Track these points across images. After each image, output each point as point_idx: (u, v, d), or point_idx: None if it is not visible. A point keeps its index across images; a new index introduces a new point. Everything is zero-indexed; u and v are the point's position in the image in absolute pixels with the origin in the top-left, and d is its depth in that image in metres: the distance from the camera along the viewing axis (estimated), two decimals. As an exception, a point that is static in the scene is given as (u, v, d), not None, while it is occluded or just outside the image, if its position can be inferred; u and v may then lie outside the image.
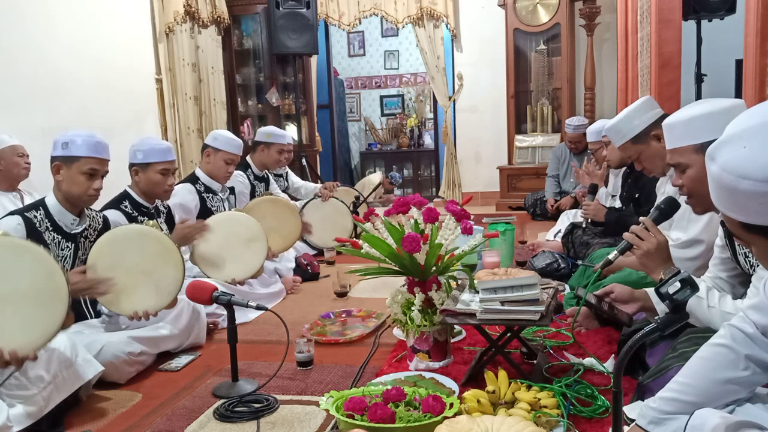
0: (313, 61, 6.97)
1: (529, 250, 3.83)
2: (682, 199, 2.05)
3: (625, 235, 1.90)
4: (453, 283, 2.36)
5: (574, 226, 3.55)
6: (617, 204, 3.55)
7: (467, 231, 2.31)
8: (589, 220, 3.33)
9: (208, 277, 3.07)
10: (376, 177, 7.19)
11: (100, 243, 2.41)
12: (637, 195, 3.17)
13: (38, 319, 1.89)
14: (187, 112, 5.91)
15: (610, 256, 1.94)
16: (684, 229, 2.15)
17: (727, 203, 1.10)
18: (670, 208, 1.95)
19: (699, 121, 1.66)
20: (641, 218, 1.91)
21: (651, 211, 1.98)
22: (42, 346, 1.92)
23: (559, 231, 4.05)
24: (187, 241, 2.96)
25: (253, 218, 3.22)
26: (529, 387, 1.91)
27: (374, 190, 6.05)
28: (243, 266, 3.14)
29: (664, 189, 2.51)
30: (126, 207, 2.87)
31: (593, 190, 3.47)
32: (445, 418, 1.68)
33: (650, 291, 1.98)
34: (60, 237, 2.43)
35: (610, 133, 2.60)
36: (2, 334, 1.86)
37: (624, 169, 3.46)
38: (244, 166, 4.28)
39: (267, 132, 4.38)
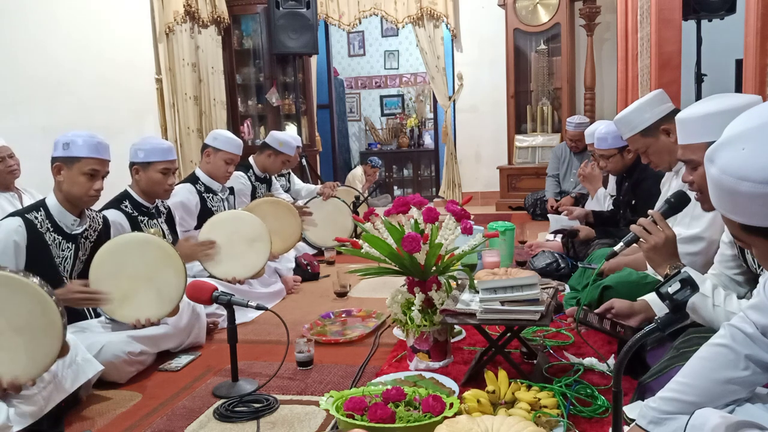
0: (313, 61, 6.97)
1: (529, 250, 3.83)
2: (691, 194, 2.04)
3: (633, 227, 1.85)
4: (453, 283, 2.36)
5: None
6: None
7: (467, 231, 2.31)
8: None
9: (209, 273, 3.07)
10: (358, 170, 7.17)
11: (103, 251, 2.42)
12: (633, 201, 3.16)
13: (35, 351, 1.90)
14: (187, 112, 5.91)
15: (616, 248, 1.91)
16: (687, 225, 2.15)
17: (726, 205, 1.10)
18: (680, 202, 1.90)
19: (713, 119, 1.62)
20: (650, 211, 1.87)
21: (661, 204, 1.96)
22: (40, 375, 1.93)
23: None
24: (191, 259, 2.96)
25: (258, 215, 3.22)
26: (529, 387, 1.91)
27: (375, 188, 6.01)
28: (245, 265, 3.14)
29: (670, 184, 2.50)
30: (126, 207, 2.87)
31: (572, 234, 3.42)
32: (445, 418, 1.68)
33: (650, 299, 1.97)
34: (60, 238, 2.43)
35: (620, 124, 2.56)
36: (3, 365, 1.87)
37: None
38: (245, 167, 4.27)
39: (280, 140, 4.31)
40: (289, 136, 4.52)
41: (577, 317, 2.10)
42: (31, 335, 1.90)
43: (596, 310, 2.06)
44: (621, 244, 1.90)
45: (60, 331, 1.91)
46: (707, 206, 1.75)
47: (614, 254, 1.94)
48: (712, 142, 1.62)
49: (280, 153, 4.30)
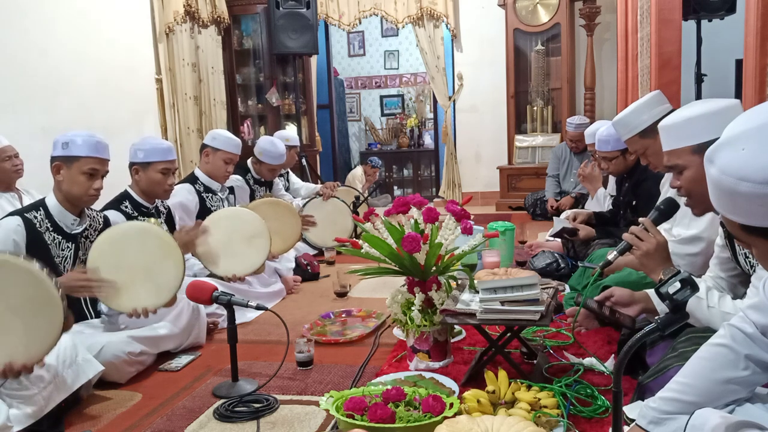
0: (313, 61, 6.97)
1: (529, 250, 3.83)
2: (682, 200, 2.06)
3: (625, 235, 1.90)
4: (453, 283, 2.36)
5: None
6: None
7: (467, 231, 2.31)
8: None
9: (210, 271, 3.06)
10: (358, 170, 7.12)
11: (101, 240, 2.41)
12: (634, 202, 3.17)
13: (39, 328, 1.89)
14: (187, 112, 5.91)
15: (609, 257, 1.94)
16: (686, 226, 2.16)
17: (726, 206, 1.10)
18: (669, 208, 1.96)
19: (695, 122, 1.66)
20: (641, 219, 1.92)
21: (651, 211, 1.99)
22: (48, 352, 1.92)
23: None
24: (190, 247, 2.93)
25: (257, 214, 3.22)
26: (529, 387, 1.91)
27: (375, 188, 5.97)
28: (245, 262, 3.13)
29: (669, 185, 2.51)
30: (126, 207, 2.87)
31: (572, 233, 3.41)
32: (445, 418, 1.68)
33: (651, 292, 1.98)
34: (60, 237, 2.43)
35: (618, 126, 2.57)
36: (8, 347, 1.86)
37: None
38: (243, 170, 4.24)
39: (261, 149, 4.21)
40: (275, 143, 4.24)
41: (581, 304, 2.10)
42: (33, 313, 1.88)
43: (596, 297, 2.06)
44: (614, 252, 1.94)
45: (59, 303, 1.88)
46: (698, 210, 1.77)
47: (609, 263, 1.96)
48: (695, 145, 1.65)
49: (263, 163, 4.23)
